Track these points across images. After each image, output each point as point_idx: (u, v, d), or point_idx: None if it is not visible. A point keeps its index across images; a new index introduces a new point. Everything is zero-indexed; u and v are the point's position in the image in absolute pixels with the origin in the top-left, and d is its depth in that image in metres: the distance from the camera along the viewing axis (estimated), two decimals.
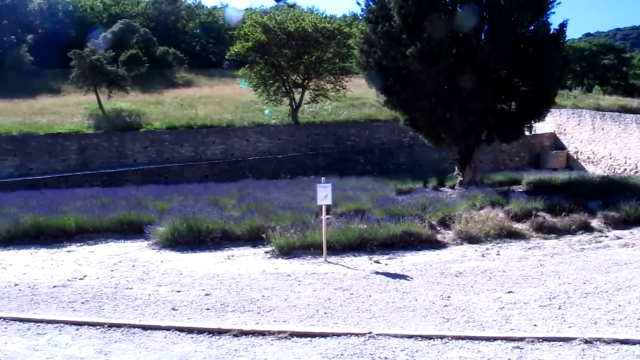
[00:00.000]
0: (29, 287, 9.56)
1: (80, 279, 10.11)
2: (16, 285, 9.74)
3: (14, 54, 55.80)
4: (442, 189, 23.38)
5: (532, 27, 21.14)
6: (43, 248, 13.45)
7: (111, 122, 37.15)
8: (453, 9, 21.10)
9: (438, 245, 12.32)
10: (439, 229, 13.69)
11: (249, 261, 11.27)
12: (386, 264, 10.66)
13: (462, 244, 12.45)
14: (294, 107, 38.28)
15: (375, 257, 11.18)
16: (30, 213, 15.15)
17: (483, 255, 11.21)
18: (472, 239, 12.58)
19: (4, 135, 33.93)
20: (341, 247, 11.78)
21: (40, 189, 27.32)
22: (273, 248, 11.86)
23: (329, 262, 10.87)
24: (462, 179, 22.76)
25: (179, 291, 8.99)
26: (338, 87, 39.19)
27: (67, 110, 40.44)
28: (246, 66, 39.49)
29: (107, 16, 70.45)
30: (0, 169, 32.94)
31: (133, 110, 40.40)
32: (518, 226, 13.55)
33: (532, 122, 22.44)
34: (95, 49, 44.81)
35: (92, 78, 40.60)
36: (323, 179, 11.79)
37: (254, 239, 12.88)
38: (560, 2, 21.28)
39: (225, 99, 43.63)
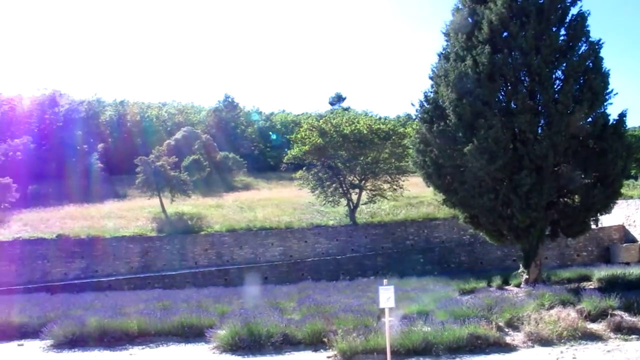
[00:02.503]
0: None
1: None
2: None
3: (86, 162, 58.79)
4: (506, 287, 22.60)
5: (589, 119, 20.98)
6: (107, 350, 13.53)
7: (173, 225, 38.09)
8: (507, 106, 21.28)
9: (507, 348, 11.74)
10: (507, 330, 13.10)
11: None
12: None
13: (533, 346, 11.82)
14: (352, 207, 38.46)
15: None
16: (95, 315, 15.36)
17: None
18: (544, 341, 11.94)
19: (72, 238, 35.16)
20: (405, 352, 11.36)
21: (105, 291, 27.88)
22: (335, 353, 11.54)
23: None
24: (527, 276, 22.00)
25: None
26: (395, 187, 39.33)
27: (132, 214, 41.77)
28: (304, 169, 40.29)
29: (171, 124, 74.06)
30: (68, 271, 33.91)
31: (194, 213, 41.40)
32: (593, 326, 12.82)
33: (598, 215, 21.80)
34: (160, 156, 46.79)
35: (156, 183, 42.12)
36: (385, 281, 11.58)
37: (315, 342, 12.61)
38: (617, 93, 21.17)
39: (284, 201, 44.29)
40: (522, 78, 21.32)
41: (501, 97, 21.65)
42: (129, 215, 41.23)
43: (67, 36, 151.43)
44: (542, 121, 21.00)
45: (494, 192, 20.94)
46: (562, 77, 21.41)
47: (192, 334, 14.48)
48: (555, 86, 21.22)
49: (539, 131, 20.85)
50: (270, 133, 76.96)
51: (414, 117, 58.50)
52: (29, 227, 38.29)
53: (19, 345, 15.12)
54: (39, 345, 14.72)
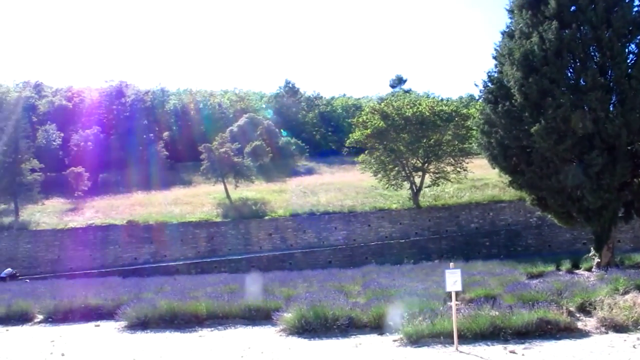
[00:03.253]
0: None
1: None
2: None
3: (152, 150, 60.49)
4: (576, 271, 21.97)
5: None
6: (177, 332, 13.98)
7: (238, 210, 38.81)
8: (576, 83, 20.54)
9: (579, 334, 11.43)
10: (578, 315, 12.75)
11: (377, 350, 11.01)
12: (523, 355, 10.01)
13: (606, 332, 11.47)
14: (415, 190, 38.15)
15: (510, 347, 10.55)
16: (165, 298, 15.86)
17: (634, 347, 10.24)
18: (618, 328, 11.56)
19: (141, 224, 36.38)
20: (472, 336, 11.24)
21: (173, 275, 28.78)
22: (401, 336, 11.53)
23: (461, 352, 10.38)
24: (599, 260, 21.33)
25: None
26: (459, 169, 38.71)
27: (198, 200, 42.78)
28: (365, 152, 40.19)
29: (233, 111, 75.17)
30: (138, 256, 35.15)
31: (258, 198, 42.04)
32: None
33: None
34: (223, 142, 47.62)
35: (220, 169, 42.95)
36: (452, 264, 11.46)
37: (380, 326, 12.63)
38: None
39: (346, 185, 44.35)
40: (592, 54, 20.53)
41: (569, 75, 20.93)
42: (195, 201, 42.25)
43: (132, 29, 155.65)
44: (614, 98, 20.20)
45: (563, 173, 20.34)
46: (635, 51, 20.52)
47: (259, 316, 14.77)
48: (628, 61, 20.34)
49: (611, 109, 20.06)
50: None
51: (477, 97, 57.28)
52: (100, 214, 39.84)
53: (95, 326, 15.82)
54: (114, 326, 15.37)
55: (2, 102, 60.97)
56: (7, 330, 16.04)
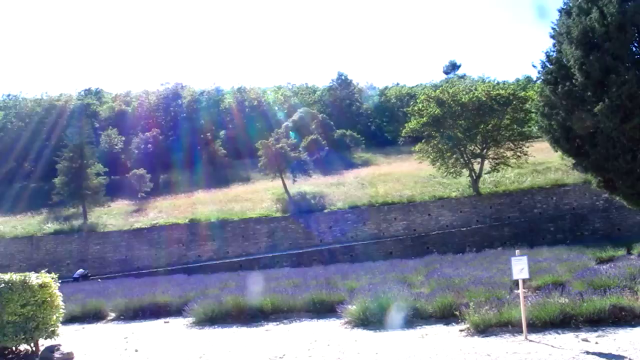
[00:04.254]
0: None
1: (280, 357, 10.47)
2: None
3: (210, 149, 61.64)
4: None
5: None
6: (243, 327, 14.24)
7: (296, 204, 39.12)
8: None
9: None
10: None
11: (443, 340, 10.92)
12: (596, 343, 9.72)
13: None
14: (474, 177, 37.53)
15: (583, 335, 10.26)
16: (231, 294, 16.16)
17: None
18: None
19: (203, 222, 37.16)
20: (541, 324, 10.98)
21: (237, 271, 29.26)
22: (468, 326, 11.39)
23: (530, 341, 10.16)
24: None
25: None
26: (519, 154, 37.81)
27: (257, 196, 43.35)
28: (422, 141, 39.78)
29: (287, 106, 75.70)
30: (201, 253, 35.92)
31: (316, 192, 42.24)
32: None
33: None
34: (279, 138, 48.06)
35: (278, 165, 43.36)
36: (517, 251, 11.22)
37: (446, 316, 12.52)
38: None
39: (404, 175, 44.05)
40: None
41: (634, 49, 20.11)
42: (254, 197, 42.82)
43: (186, 29, 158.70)
44: None
45: (631, 152, 19.61)
46: None
47: (323, 309, 14.86)
48: None
49: None
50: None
51: (535, 79, 55.80)
52: (163, 213, 40.91)
53: (165, 322, 16.27)
54: (182, 322, 15.77)
55: (67, 110, 63.40)
56: (83, 328, 16.70)
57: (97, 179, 43.79)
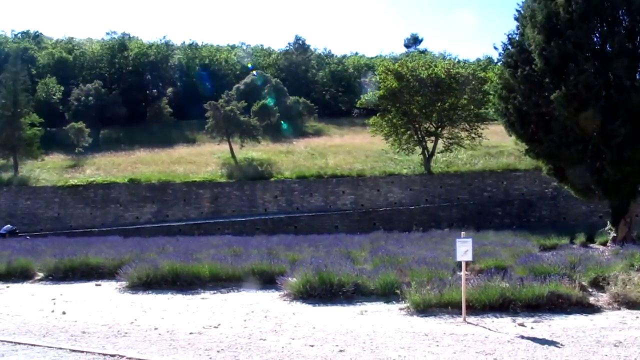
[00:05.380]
0: (168, 332, 10.08)
1: (214, 327, 10.51)
2: (156, 329, 10.31)
3: (155, 107, 60.52)
4: (591, 245, 22.06)
5: None
6: (179, 294, 14.20)
7: (243, 171, 39.00)
8: (602, 49, 20.30)
9: (591, 309, 11.52)
10: (590, 290, 12.84)
11: (383, 318, 11.17)
12: (532, 328, 10.12)
13: (619, 309, 11.56)
14: (427, 156, 38.12)
15: (520, 320, 10.66)
16: (168, 259, 16.07)
17: None
18: (632, 304, 11.64)
19: (144, 183, 36.64)
20: (481, 307, 11.35)
21: (176, 236, 29.13)
22: (408, 305, 11.68)
23: (469, 323, 10.50)
24: (615, 234, 21.39)
25: (312, 345, 9.07)
26: (473, 135, 38.60)
27: (202, 159, 42.98)
28: (377, 115, 40.04)
29: (240, 68, 74.75)
30: (140, 215, 35.49)
31: (264, 159, 42.17)
32: None
33: None
34: (229, 100, 47.55)
35: (226, 128, 42.99)
36: (463, 233, 11.52)
37: (387, 294, 12.79)
38: None
39: (356, 148, 44.39)
40: (621, 17, 20.22)
41: (595, 40, 20.67)
42: (199, 160, 42.45)
43: None
44: None
45: (583, 143, 20.28)
46: None
47: (263, 280, 14.94)
48: None
49: (638, 77, 19.85)
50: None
51: (496, 60, 56.79)
52: (101, 171, 40.13)
53: (96, 285, 16.07)
54: (115, 286, 15.61)
55: (0, 53, 60.88)
56: (7, 287, 16.32)
57: (31, 129, 42.45)
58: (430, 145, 38.84)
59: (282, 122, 56.60)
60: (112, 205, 35.81)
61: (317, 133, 56.66)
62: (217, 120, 43.21)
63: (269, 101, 55.68)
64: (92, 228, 33.47)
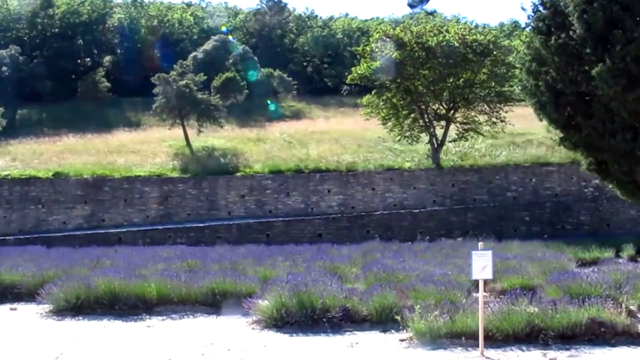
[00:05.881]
0: None
1: None
2: None
3: (89, 79, 60.02)
4: None
5: None
6: (118, 320, 14.13)
7: (201, 163, 38.80)
8: None
9: None
10: None
11: (379, 351, 11.18)
12: None
13: None
14: (436, 145, 38.19)
15: (551, 354, 10.72)
16: (104, 276, 15.95)
17: None
18: None
19: (73, 178, 36.33)
20: (503, 338, 11.41)
21: (114, 245, 28.95)
22: (410, 335, 11.71)
23: (487, 358, 10.55)
24: None
25: None
26: (494, 120, 38.71)
27: (148, 148, 42.71)
28: (372, 92, 40.01)
29: (197, 32, 74.39)
30: (68, 220, 35.21)
31: (228, 149, 42.02)
32: None
33: None
34: (184, 73, 47.29)
35: (179, 108, 42.74)
36: (480, 244, 11.54)
37: (384, 321, 12.81)
38: None
39: (345, 135, 44.36)
40: None
41: None
42: (145, 149, 42.21)
43: None
44: None
45: (632, 130, 20.39)
46: None
47: (226, 303, 14.90)
48: None
49: None
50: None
51: (524, 25, 56.97)
52: (18, 162, 39.72)
53: (11, 309, 15.93)
54: (35, 310, 15.46)
55: None
56: None
57: None
58: (439, 132, 38.88)
59: (253, 101, 56.50)
60: (32, 206, 35.43)
61: (296, 115, 56.56)
62: (168, 97, 42.91)
63: (249, 75, 55.35)
64: (5, 235, 33.09)
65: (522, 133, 41.28)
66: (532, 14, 22.97)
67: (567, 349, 10.96)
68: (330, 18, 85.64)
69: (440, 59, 37.99)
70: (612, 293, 13.61)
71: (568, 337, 11.41)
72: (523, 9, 23.19)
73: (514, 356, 10.65)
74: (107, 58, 66.79)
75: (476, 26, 51.69)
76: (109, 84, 60.31)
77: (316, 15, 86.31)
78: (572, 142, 22.64)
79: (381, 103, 39.51)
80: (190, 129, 43.46)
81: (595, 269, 17.69)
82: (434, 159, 37.95)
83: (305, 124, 50.64)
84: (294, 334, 12.44)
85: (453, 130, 39.34)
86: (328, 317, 12.88)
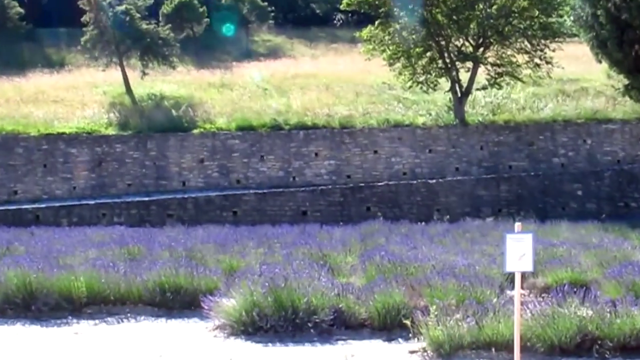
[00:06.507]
0: None
1: None
2: None
3: None
4: None
5: None
6: (36, 325, 14.12)
7: (146, 117, 38.61)
8: None
9: None
10: None
11: None
12: None
13: None
14: (459, 95, 38.11)
15: None
16: (16, 267, 15.89)
17: None
18: None
19: None
20: (546, 349, 11.48)
21: (31, 226, 28.82)
22: (424, 345, 11.75)
23: None
24: None
25: None
26: (537, 61, 38.62)
27: (76, 96, 42.49)
28: (376, 23, 39.82)
29: None
30: None
31: (182, 97, 41.79)
32: None
33: None
34: None
35: (117, 43, 42.46)
36: (518, 224, 11.54)
37: (389, 327, 12.84)
38: None
39: (339, 80, 44.23)
40: None
41: None
42: (71, 98, 41.99)
43: None
44: None
45: None
46: None
47: (179, 303, 14.90)
48: None
49: None
50: None
51: None
52: None
53: None
54: None
55: None
56: None
57: None
58: (464, 76, 38.78)
59: (215, 34, 56.21)
60: None
61: (274, 53, 56.28)
62: (102, 28, 42.62)
63: None
64: None
65: (574, 79, 41.26)
66: None
67: None
68: None
69: None
70: None
71: (631, 349, 11.49)
72: None
73: None
74: None
75: None
76: (21, 10, 59.82)
77: None
78: None
79: (387, 37, 39.32)
80: (131, 71, 43.25)
81: None
82: (457, 113, 37.90)
83: (285, 65, 50.41)
84: (270, 344, 12.46)
85: (482, 75, 39.26)
86: (315, 322, 12.89)
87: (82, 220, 31.18)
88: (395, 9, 38.69)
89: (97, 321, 14.46)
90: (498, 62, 39.17)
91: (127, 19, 42.54)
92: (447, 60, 38.52)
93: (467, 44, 39.05)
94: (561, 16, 38.02)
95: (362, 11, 41.30)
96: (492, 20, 38.10)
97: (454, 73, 38.39)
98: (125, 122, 38.20)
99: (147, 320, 14.44)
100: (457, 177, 35.49)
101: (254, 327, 12.94)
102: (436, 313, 12.07)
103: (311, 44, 58.38)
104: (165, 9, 52.88)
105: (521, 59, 38.88)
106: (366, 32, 40.61)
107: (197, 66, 49.35)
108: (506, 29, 38.37)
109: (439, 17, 38.12)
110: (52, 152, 35.97)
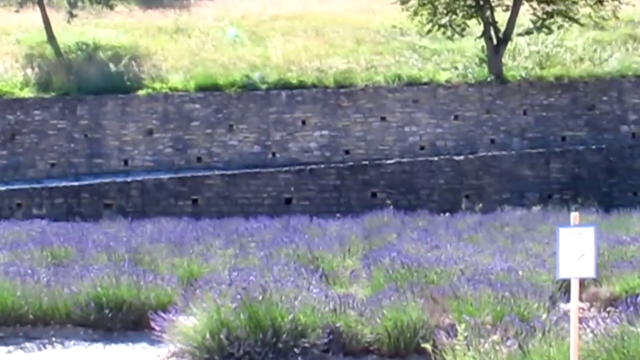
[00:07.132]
0: None
1: None
2: None
3: None
4: None
5: None
6: None
7: (74, 74, 38.52)
8: None
9: None
10: None
11: None
12: None
13: None
14: (495, 42, 38.15)
15: None
16: None
17: None
18: None
19: None
20: None
21: None
22: None
23: None
24: None
25: None
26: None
27: None
28: None
29: None
30: None
31: (123, 47, 41.75)
32: None
33: None
34: None
35: None
36: (575, 214, 11.51)
37: (402, 352, 12.87)
38: None
39: (334, 24, 44.23)
40: None
41: None
42: None
43: None
44: None
45: None
46: None
47: (122, 323, 14.92)
48: None
49: None
50: None
51: None
52: None
53: None
54: None
55: None
56: None
57: None
58: (501, 17, 38.83)
59: None
60: None
61: None
62: None
63: None
64: None
65: None
66: None
67: None
68: None
69: None
70: None
71: None
72: None
73: None
74: None
75: None
76: None
77: None
78: None
79: None
80: (54, 13, 43.19)
81: None
82: (492, 67, 37.95)
83: (261, 3, 50.33)
84: None
85: (526, 15, 39.27)
86: (303, 346, 12.90)
87: None
88: None
89: (10, 348, 14.44)
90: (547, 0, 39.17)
91: None
92: None
93: None
94: None
95: None
96: None
97: (488, 13, 38.41)
98: (46, 80, 38.14)
99: (78, 346, 14.43)
100: (493, 152, 35.51)
101: (222, 354, 12.91)
102: (466, 334, 12.09)
103: None
104: None
105: None
106: None
107: (142, 5, 49.27)
108: None
109: None
110: None
